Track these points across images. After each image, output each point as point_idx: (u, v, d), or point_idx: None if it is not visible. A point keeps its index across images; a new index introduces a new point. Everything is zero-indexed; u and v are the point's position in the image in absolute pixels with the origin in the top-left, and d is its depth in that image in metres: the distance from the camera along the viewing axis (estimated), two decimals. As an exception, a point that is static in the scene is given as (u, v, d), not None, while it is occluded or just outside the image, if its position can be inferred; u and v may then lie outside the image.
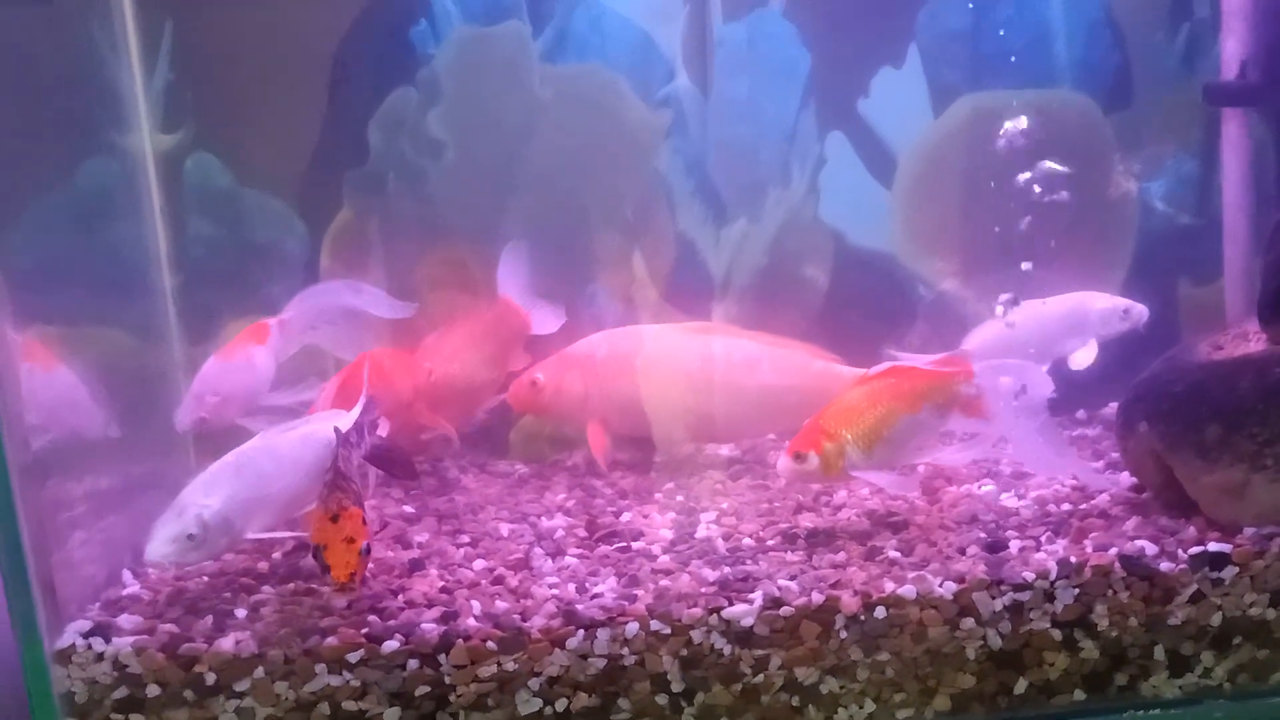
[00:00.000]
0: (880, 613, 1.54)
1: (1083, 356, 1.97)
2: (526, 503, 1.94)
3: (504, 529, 1.84)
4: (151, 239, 1.92)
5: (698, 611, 1.52)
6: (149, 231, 1.91)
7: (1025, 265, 1.93)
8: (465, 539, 1.80)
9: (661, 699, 1.52)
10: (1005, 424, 1.75)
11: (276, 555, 1.71)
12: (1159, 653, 1.61)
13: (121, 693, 1.44)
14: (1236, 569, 1.59)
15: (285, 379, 1.95)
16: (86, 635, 1.46)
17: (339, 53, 1.98)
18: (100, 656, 1.44)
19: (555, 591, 1.59)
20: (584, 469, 2.07)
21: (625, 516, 1.85)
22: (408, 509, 1.91)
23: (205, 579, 1.65)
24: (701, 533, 1.77)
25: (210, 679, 1.44)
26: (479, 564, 1.70)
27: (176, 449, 1.92)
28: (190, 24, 1.89)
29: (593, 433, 1.96)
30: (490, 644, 1.48)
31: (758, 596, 1.54)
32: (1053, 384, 1.77)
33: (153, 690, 1.44)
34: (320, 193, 2.02)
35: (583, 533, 1.80)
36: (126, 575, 1.66)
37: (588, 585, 1.61)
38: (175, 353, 1.97)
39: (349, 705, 1.46)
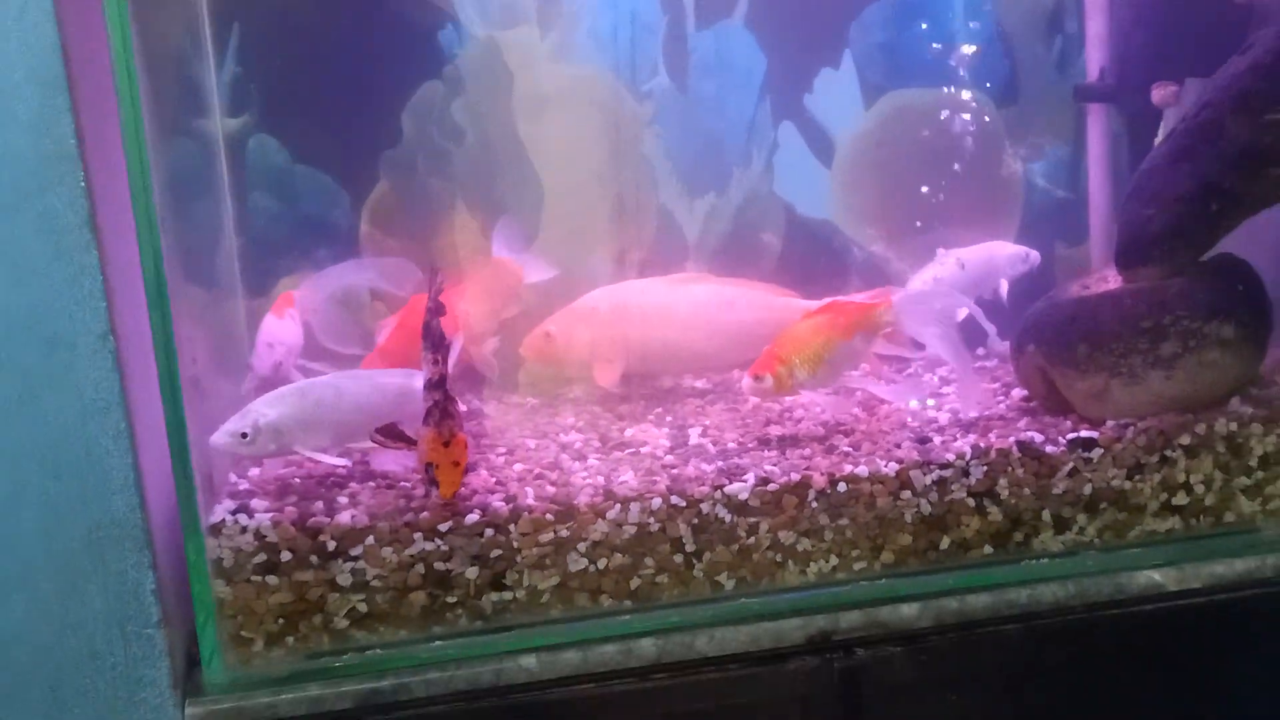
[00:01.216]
0: (842, 488, 1.93)
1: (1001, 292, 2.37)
2: (543, 424, 2.28)
3: (530, 443, 2.16)
4: (222, 207, 2.24)
5: (705, 489, 1.89)
6: (221, 201, 2.23)
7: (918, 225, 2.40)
8: (501, 450, 2.14)
9: (678, 558, 1.89)
10: (926, 341, 2.14)
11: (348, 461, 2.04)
12: (1046, 516, 1.98)
13: (260, 558, 1.73)
14: (1102, 450, 2.00)
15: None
16: (234, 513, 1.77)
17: (378, 52, 2.31)
18: (244, 529, 1.74)
19: (589, 481, 1.99)
20: (584, 399, 2.46)
21: (629, 431, 2.20)
22: (445, 431, 2.27)
23: (297, 480, 2.00)
24: (694, 441, 2.14)
25: (331, 546, 1.75)
26: (518, 466, 2.05)
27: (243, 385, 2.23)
28: (255, 27, 2.21)
29: (600, 370, 2.30)
30: (549, 516, 1.85)
31: (750, 477, 1.92)
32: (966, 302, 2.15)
33: (285, 556, 1.74)
34: (361, 169, 2.32)
35: (597, 443, 2.18)
36: (232, 477, 1.99)
37: (613, 477, 1.99)
38: (240, 306, 2.30)
39: (439, 566, 1.79)
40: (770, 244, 2.54)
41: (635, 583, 1.89)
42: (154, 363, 1.66)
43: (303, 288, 2.27)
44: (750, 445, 2.12)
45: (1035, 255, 2.41)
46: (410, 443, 1.83)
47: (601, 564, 1.88)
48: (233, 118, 2.23)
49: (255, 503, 1.84)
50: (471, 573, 1.82)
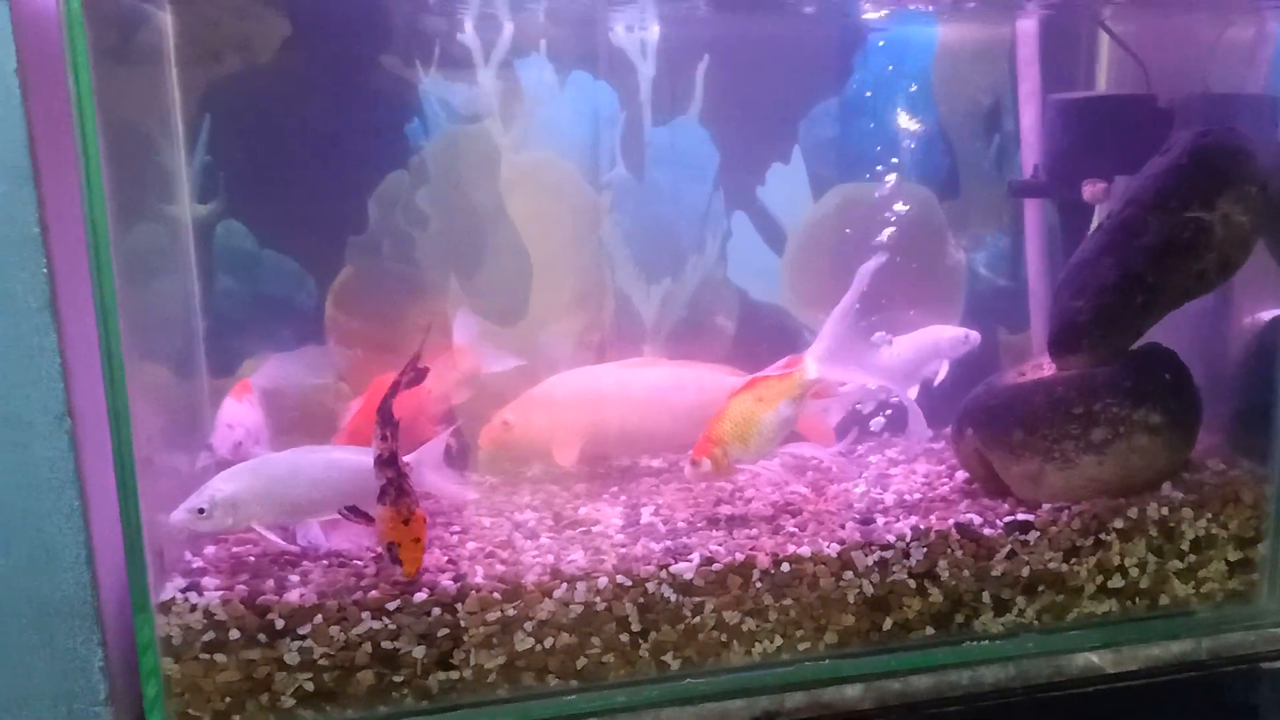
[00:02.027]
0: (785, 568, 1.98)
1: (939, 374, 2.46)
2: (500, 503, 2.32)
3: (486, 521, 2.20)
4: (190, 290, 2.30)
5: (652, 568, 1.94)
6: (189, 283, 2.30)
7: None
8: (456, 529, 2.18)
9: (624, 637, 1.93)
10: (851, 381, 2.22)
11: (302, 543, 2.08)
12: (986, 597, 2.05)
13: (209, 636, 1.76)
14: (1038, 533, 2.07)
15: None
16: (184, 591, 1.80)
17: (347, 143, 2.41)
18: (194, 607, 1.77)
19: (539, 560, 2.03)
20: (542, 478, 2.51)
21: (583, 510, 2.24)
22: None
23: (252, 559, 2.03)
24: (645, 519, 2.19)
25: (279, 624, 1.78)
26: (471, 545, 2.10)
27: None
28: (226, 118, 2.30)
29: (559, 452, 2.35)
30: (496, 595, 1.89)
31: (695, 557, 1.96)
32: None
33: (234, 634, 1.77)
34: (327, 254, 2.39)
35: (550, 522, 2.23)
36: (187, 554, 2.02)
37: (563, 555, 2.04)
38: (204, 386, 2.35)
39: (386, 645, 1.83)
40: (725, 327, 2.62)
41: (581, 662, 1.92)
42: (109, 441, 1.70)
43: (256, 377, 2.32)
44: (699, 524, 2.17)
45: (975, 336, 2.51)
46: (373, 521, 1.87)
47: (548, 643, 1.91)
48: (202, 204, 2.31)
49: (206, 580, 1.87)
50: (419, 652, 1.85)
